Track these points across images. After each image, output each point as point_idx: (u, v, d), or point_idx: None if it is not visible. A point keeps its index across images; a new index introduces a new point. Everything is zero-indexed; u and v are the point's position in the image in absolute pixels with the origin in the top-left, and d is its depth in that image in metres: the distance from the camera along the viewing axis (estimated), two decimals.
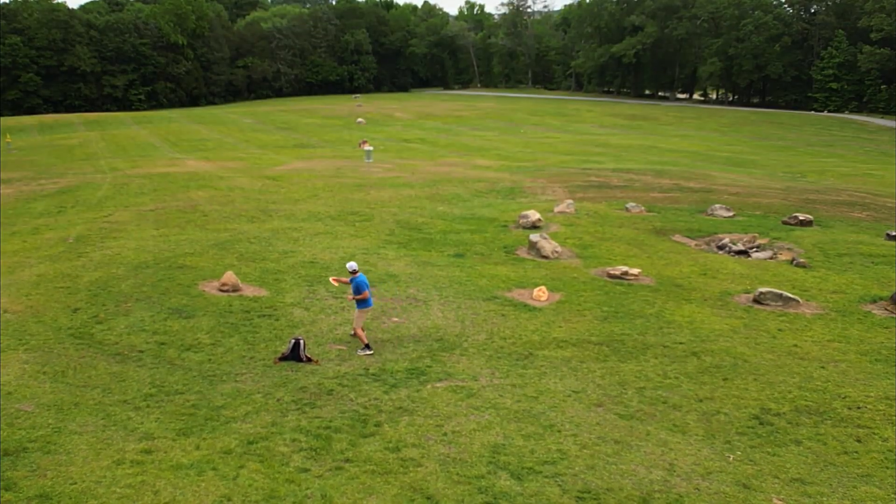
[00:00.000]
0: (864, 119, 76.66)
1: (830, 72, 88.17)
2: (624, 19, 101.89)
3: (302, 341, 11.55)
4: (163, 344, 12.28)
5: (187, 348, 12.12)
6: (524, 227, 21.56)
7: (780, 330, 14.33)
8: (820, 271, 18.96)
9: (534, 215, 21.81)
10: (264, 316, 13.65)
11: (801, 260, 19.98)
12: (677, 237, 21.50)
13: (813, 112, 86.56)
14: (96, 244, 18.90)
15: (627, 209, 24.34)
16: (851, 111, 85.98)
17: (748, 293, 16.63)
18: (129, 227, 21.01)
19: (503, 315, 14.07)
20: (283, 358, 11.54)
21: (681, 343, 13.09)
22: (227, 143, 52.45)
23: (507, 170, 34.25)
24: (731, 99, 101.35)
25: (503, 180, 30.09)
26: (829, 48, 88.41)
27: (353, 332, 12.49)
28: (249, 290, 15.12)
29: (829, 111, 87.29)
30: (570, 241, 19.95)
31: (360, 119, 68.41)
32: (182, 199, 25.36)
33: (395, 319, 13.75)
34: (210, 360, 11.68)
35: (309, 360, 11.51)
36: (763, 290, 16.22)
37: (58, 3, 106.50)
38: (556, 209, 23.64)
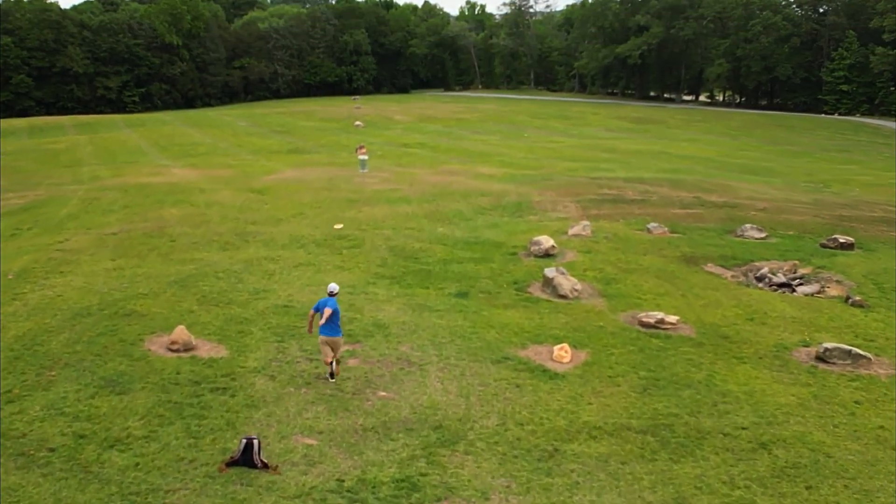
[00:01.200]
0: (878, 123, 73.81)
1: (841, 73, 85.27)
2: (629, 19, 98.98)
3: (256, 443, 8.70)
4: (82, 437, 9.43)
5: (112, 444, 9.26)
6: (536, 256, 18.71)
7: (856, 403, 11.50)
8: (880, 312, 16.14)
9: (546, 241, 18.98)
10: (218, 390, 10.79)
11: (856, 297, 17.14)
12: (710, 267, 18.64)
13: (823, 115, 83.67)
14: (38, 281, 16.06)
15: (649, 230, 21.54)
16: (863, 114, 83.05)
17: (807, 346, 13.79)
18: (83, 256, 18.15)
19: (518, 386, 11.22)
20: (233, 463, 8.71)
21: (744, 428, 10.25)
22: (219, 149, 49.64)
23: (513, 179, 31.39)
24: (738, 101, 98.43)
25: (509, 193, 27.21)
26: (840, 49, 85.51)
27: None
28: (205, 349, 12.27)
29: (840, 114, 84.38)
30: (590, 274, 17.10)
31: (358, 122, 65.56)
32: (152, 220, 22.52)
33: (383, 394, 10.90)
34: (137, 464, 8.82)
35: (265, 466, 8.67)
36: (828, 346, 13.36)
37: (50, 3, 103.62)
38: (571, 231, 20.82)
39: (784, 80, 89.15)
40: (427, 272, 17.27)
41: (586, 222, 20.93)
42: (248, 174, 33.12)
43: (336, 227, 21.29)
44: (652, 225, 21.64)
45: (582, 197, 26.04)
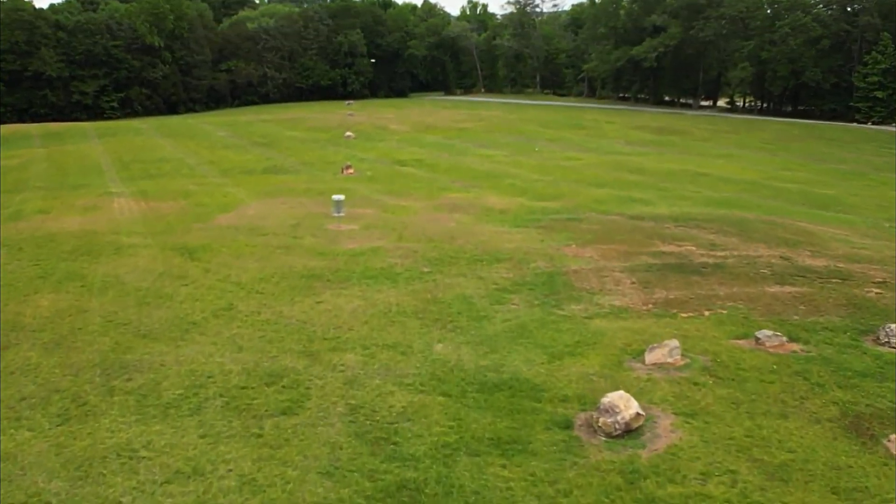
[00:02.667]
0: None
1: (875, 79, 79.23)
2: (643, 19, 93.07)
3: None
4: None
5: None
6: (610, 436, 10.70)
7: None
8: None
9: (627, 407, 10.89)
10: None
11: None
12: (894, 441, 10.59)
13: (855, 124, 77.69)
14: None
15: (759, 341, 13.86)
16: None
17: None
18: None
19: None
20: None
21: None
22: (186, 166, 43.73)
23: (533, 220, 25.36)
24: (760, 107, 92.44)
25: (533, 253, 20.17)
26: (874, 52, 79.52)
27: None
28: None
29: (873, 123, 78.40)
30: (721, 489, 9.38)
31: (348, 133, 59.64)
32: None
33: None
34: None
35: None
36: None
37: (24, 2, 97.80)
38: (650, 356, 13.08)
39: (813, 86, 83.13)
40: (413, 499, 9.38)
41: (674, 343, 13.21)
42: (199, 211, 27.10)
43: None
44: (764, 334, 13.94)
45: (634, 260, 19.39)
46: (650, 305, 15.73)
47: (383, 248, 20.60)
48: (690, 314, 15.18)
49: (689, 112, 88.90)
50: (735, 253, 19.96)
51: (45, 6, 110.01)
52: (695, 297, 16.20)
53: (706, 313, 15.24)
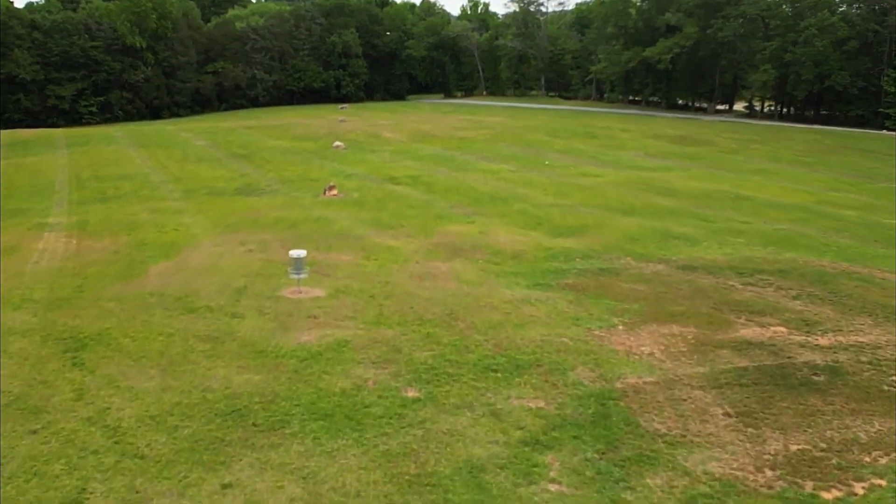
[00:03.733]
0: None
1: None
2: (656, 18, 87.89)
3: None
4: None
5: None
6: None
7: None
8: None
9: None
10: None
11: None
12: None
13: (885, 131, 72.42)
14: None
15: None
16: None
17: None
18: None
19: None
20: None
21: None
22: (148, 185, 38.52)
23: (556, 272, 20.12)
24: (780, 112, 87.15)
25: (568, 347, 14.45)
26: None
27: None
28: None
29: None
30: None
31: (337, 143, 54.45)
32: None
33: None
34: None
35: None
36: None
37: None
38: None
39: (839, 91, 77.84)
40: None
41: None
42: (133, 257, 21.79)
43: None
44: None
45: (713, 360, 13.36)
46: (768, 472, 10.15)
47: (351, 344, 14.73)
48: (834, 491, 9.60)
49: (706, 118, 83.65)
50: (841, 339, 14.60)
51: (21, 5, 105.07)
52: (827, 445, 10.68)
53: (857, 488, 9.68)
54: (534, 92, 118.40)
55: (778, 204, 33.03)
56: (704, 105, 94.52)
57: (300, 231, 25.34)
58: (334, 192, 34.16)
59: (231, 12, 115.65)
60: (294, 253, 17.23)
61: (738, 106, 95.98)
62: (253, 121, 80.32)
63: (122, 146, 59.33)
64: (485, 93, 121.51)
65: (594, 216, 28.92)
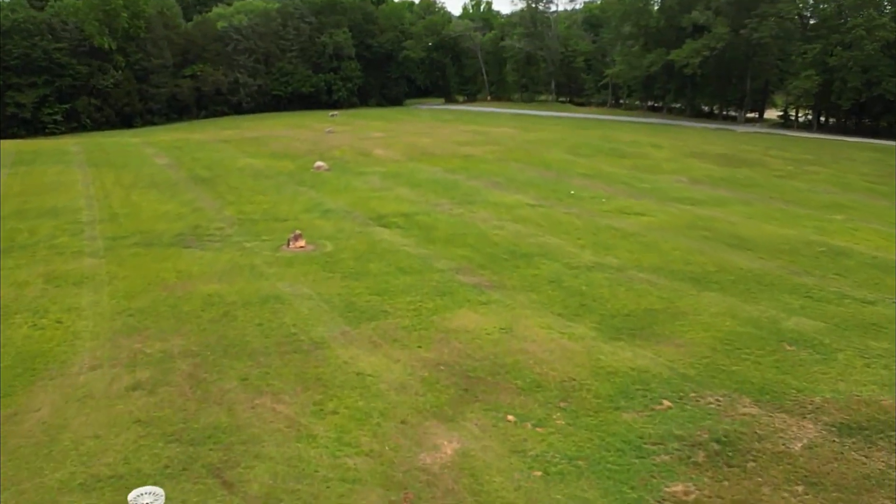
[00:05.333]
0: None
1: None
2: (680, 17, 79.85)
3: None
4: None
5: None
6: None
7: None
8: None
9: None
10: None
11: None
12: None
13: None
14: None
15: None
16: None
17: None
18: None
19: None
20: None
21: None
22: (69, 230, 30.45)
23: (635, 440, 12.04)
24: (820, 122, 78.96)
25: None
26: None
27: None
28: None
29: None
30: None
31: (319, 163, 46.41)
32: None
33: None
34: None
35: None
36: None
37: None
38: None
39: (889, 100, 69.70)
40: None
41: None
42: None
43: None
44: None
45: None
46: None
47: None
48: None
49: (739, 128, 75.57)
50: None
51: None
52: None
53: None
54: (542, 97, 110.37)
55: (890, 263, 24.92)
56: (733, 113, 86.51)
57: (230, 331, 17.21)
58: (301, 243, 26.06)
59: (215, 10, 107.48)
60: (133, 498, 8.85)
61: (769, 114, 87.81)
62: (231, 131, 72.32)
63: (71, 165, 51.32)
64: (489, 97, 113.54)
65: (657, 290, 20.81)
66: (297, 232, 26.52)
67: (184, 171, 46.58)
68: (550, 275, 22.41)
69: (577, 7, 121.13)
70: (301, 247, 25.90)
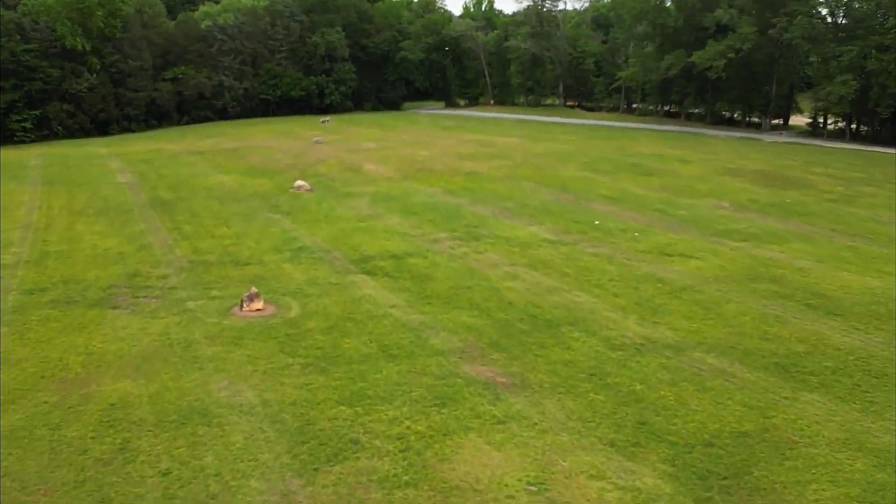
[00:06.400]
0: None
1: None
2: (701, 16, 74.11)
3: None
4: None
5: None
6: None
7: None
8: None
9: None
10: None
11: None
12: None
13: None
14: None
15: None
16: None
17: None
18: None
19: None
20: None
21: None
22: None
23: None
24: (853, 131, 73.11)
25: None
26: None
27: None
28: None
29: None
30: None
31: (299, 182, 40.68)
32: None
33: None
34: None
35: None
36: None
37: None
38: None
39: None
40: None
41: None
42: None
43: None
44: None
45: None
46: None
47: None
48: None
49: (767, 137, 69.84)
50: None
51: None
52: None
53: None
54: (549, 101, 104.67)
55: None
56: (755, 119, 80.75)
57: (117, 490, 11.46)
58: (258, 305, 20.29)
59: (202, 9, 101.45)
60: None
61: (794, 120, 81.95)
62: (211, 140, 66.60)
63: (24, 183, 45.71)
64: (492, 101, 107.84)
65: (739, 391, 15.08)
66: (254, 290, 20.73)
67: (144, 192, 40.88)
68: (588, 361, 16.67)
69: (582, 7, 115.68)
70: (258, 310, 20.16)
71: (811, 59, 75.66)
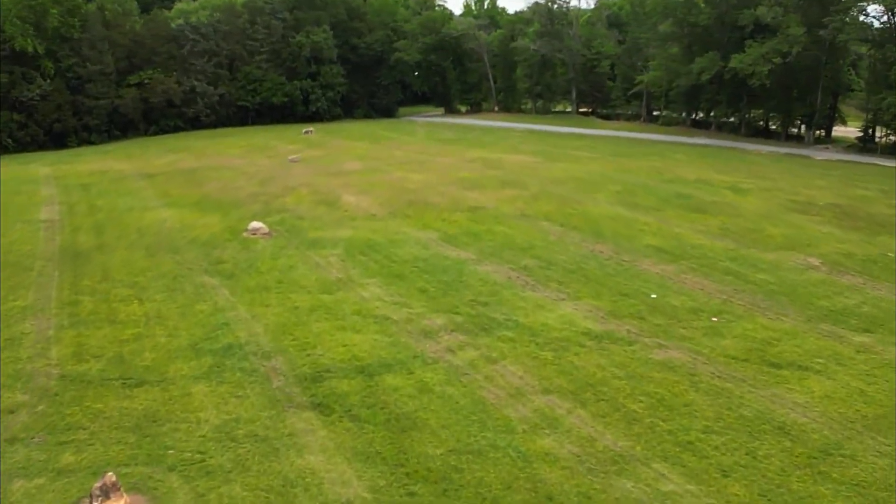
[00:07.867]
0: None
1: None
2: (737, 13, 65.57)
3: None
4: None
5: None
6: None
7: None
8: None
9: None
10: None
11: None
12: None
13: None
14: None
15: None
16: None
17: None
18: None
19: None
20: None
21: None
22: None
23: None
24: None
25: None
26: None
27: None
28: None
29: None
30: None
31: (255, 224, 32.06)
32: None
33: None
34: None
35: None
36: None
37: None
38: None
39: None
40: None
41: None
42: None
43: None
44: None
45: None
46: None
47: None
48: None
49: (817, 155, 61.25)
50: None
51: None
52: None
53: None
54: (559, 107, 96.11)
55: None
56: (794, 130, 72.20)
57: None
58: None
59: (177, 6, 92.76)
60: None
61: (850, 135, 73.02)
62: (171, 156, 58.14)
63: None
64: (496, 108, 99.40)
65: None
66: (111, 478, 12.13)
67: (61, 236, 32.41)
68: None
69: (588, 7, 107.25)
70: None
71: (861, 63, 67.21)
